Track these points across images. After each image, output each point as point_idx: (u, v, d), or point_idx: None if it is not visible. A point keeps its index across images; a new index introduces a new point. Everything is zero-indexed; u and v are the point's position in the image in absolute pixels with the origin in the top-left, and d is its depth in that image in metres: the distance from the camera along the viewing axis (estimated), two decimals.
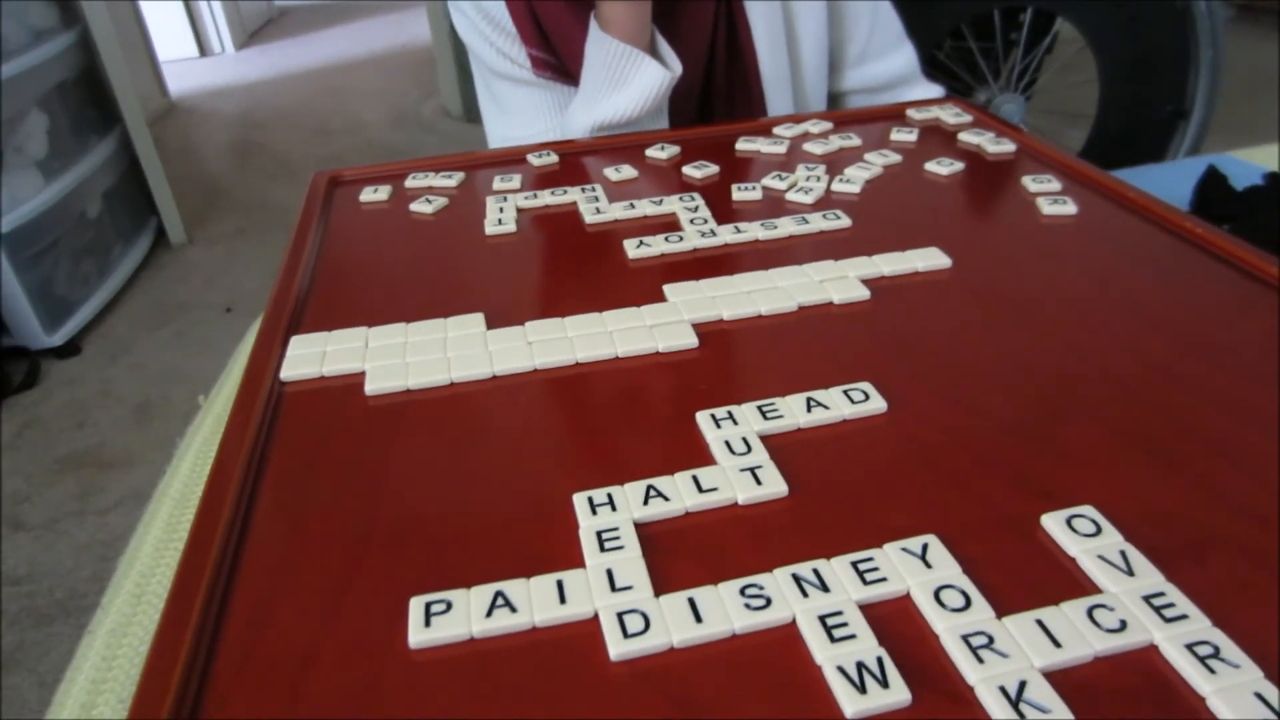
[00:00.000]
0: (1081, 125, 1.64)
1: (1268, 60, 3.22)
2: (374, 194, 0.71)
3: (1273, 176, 0.98)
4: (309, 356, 0.49)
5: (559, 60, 0.85)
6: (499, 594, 0.33)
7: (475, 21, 0.84)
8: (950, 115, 0.80)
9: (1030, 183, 0.65)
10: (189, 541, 0.37)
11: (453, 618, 0.32)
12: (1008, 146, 0.73)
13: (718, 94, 0.89)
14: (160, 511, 0.59)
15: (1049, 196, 0.63)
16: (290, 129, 3.53)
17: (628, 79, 0.77)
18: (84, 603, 1.33)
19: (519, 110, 0.88)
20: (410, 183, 0.73)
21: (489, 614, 0.32)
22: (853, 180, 0.68)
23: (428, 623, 0.32)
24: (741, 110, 0.90)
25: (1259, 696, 0.28)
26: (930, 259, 0.56)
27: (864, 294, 0.53)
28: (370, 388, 0.46)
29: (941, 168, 0.69)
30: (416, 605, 0.33)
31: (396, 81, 4.03)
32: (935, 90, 0.98)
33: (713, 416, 0.42)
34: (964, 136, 0.75)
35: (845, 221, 0.62)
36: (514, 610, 0.32)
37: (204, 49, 4.71)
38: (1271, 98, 2.84)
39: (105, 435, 1.74)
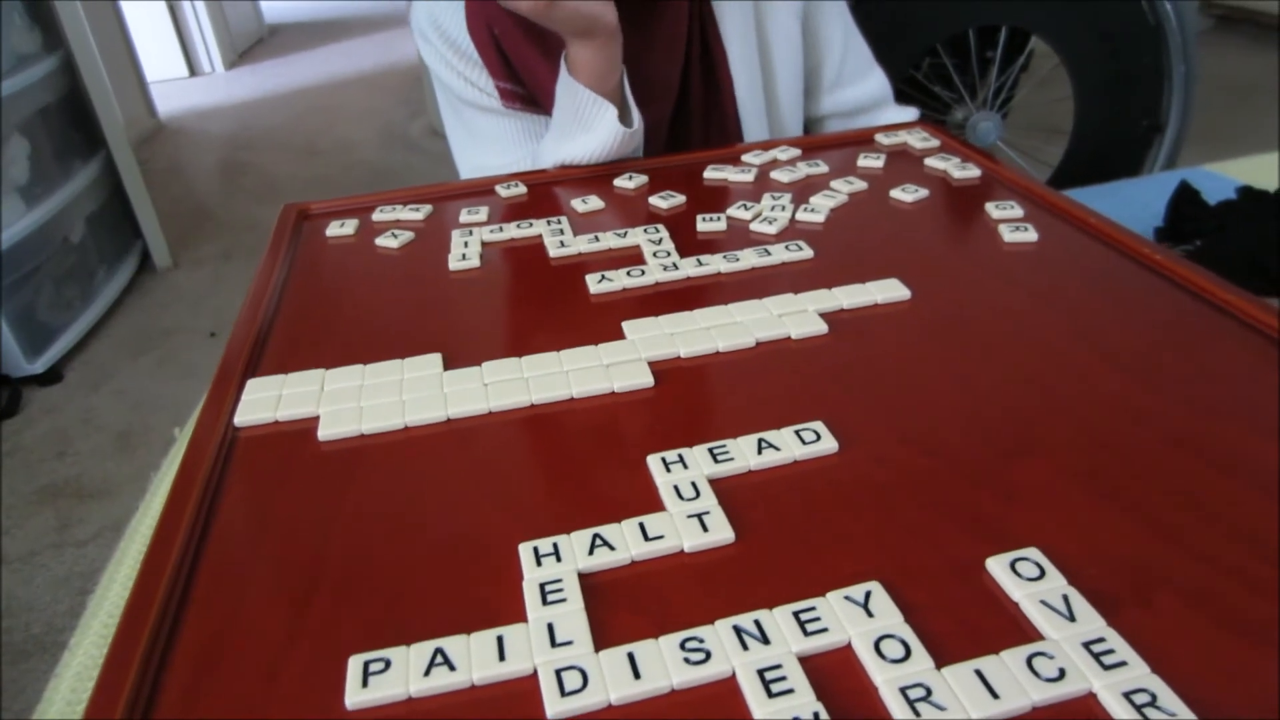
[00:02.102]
0: (1058, 141, 1.64)
1: (1246, 70, 3.24)
2: (341, 228, 0.71)
3: (1245, 190, 0.98)
4: (264, 401, 0.49)
5: (527, 92, 0.85)
6: (438, 651, 0.32)
7: (442, 51, 0.85)
8: (918, 140, 0.80)
9: (993, 209, 0.66)
10: (130, 598, 0.36)
11: (391, 677, 0.32)
12: (973, 172, 0.73)
13: (694, 117, 0.89)
14: (131, 549, 0.59)
15: (1011, 223, 0.63)
16: (279, 149, 3.53)
17: (592, 124, 0.78)
18: (60, 638, 1.32)
19: (491, 138, 0.88)
20: (378, 216, 0.73)
21: (427, 673, 0.32)
22: (818, 209, 0.68)
23: (365, 683, 0.32)
24: (716, 137, 0.90)
25: None
26: (890, 291, 0.56)
27: (822, 328, 0.53)
28: (323, 433, 0.46)
29: (906, 195, 0.70)
30: (355, 664, 0.32)
31: (385, 100, 4.03)
32: (909, 113, 0.98)
33: (663, 460, 0.42)
34: (930, 162, 0.76)
35: (808, 253, 0.62)
36: (453, 668, 0.32)
37: (193, 69, 4.71)
38: (1249, 108, 2.86)
39: (85, 465, 1.73)
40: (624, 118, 0.78)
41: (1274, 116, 2.67)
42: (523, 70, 0.83)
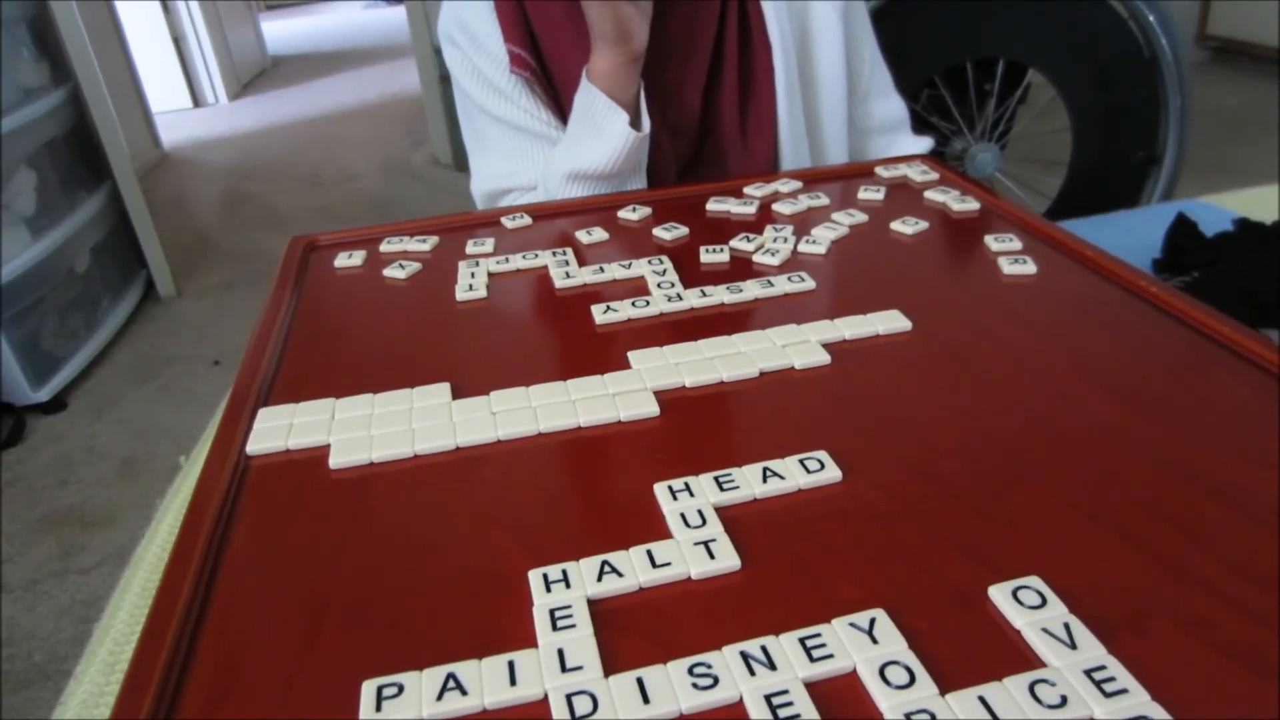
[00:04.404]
0: (1057, 172, 1.66)
1: (1242, 102, 3.28)
2: (349, 259, 0.72)
3: (1242, 222, 1.00)
4: (275, 430, 0.49)
5: (539, 61, 0.87)
6: (450, 676, 0.33)
7: (465, 50, 0.87)
8: (917, 173, 0.82)
9: (992, 242, 0.67)
10: (145, 625, 0.37)
11: (403, 701, 0.32)
12: (972, 205, 0.74)
13: (725, 121, 0.90)
14: (137, 576, 0.59)
15: (1010, 256, 0.64)
16: (282, 179, 3.56)
17: (603, 130, 0.80)
18: (63, 666, 1.32)
19: (502, 150, 0.91)
20: (385, 247, 0.74)
21: (440, 697, 0.32)
22: (819, 241, 0.69)
23: (379, 707, 0.32)
24: (752, 128, 0.91)
25: None
26: (891, 322, 0.57)
27: (825, 358, 0.53)
28: (334, 461, 0.47)
29: (906, 227, 0.71)
30: (368, 689, 0.33)
31: (387, 131, 4.07)
32: (924, 143, 0.99)
33: (670, 488, 0.42)
34: (930, 194, 0.77)
35: (810, 284, 0.63)
36: (465, 693, 0.32)
37: (197, 100, 4.76)
38: (1246, 139, 2.89)
39: (89, 493, 1.74)
40: (635, 124, 0.81)
41: (1270, 147, 2.69)
42: (543, 29, 0.85)
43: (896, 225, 0.71)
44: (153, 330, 2.41)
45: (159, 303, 2.55)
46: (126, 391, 2.11)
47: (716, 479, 0.43)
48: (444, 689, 0.33)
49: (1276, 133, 2.83)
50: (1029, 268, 0.63)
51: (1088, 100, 1.57)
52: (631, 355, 0.54)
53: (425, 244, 0.74)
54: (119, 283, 2.47)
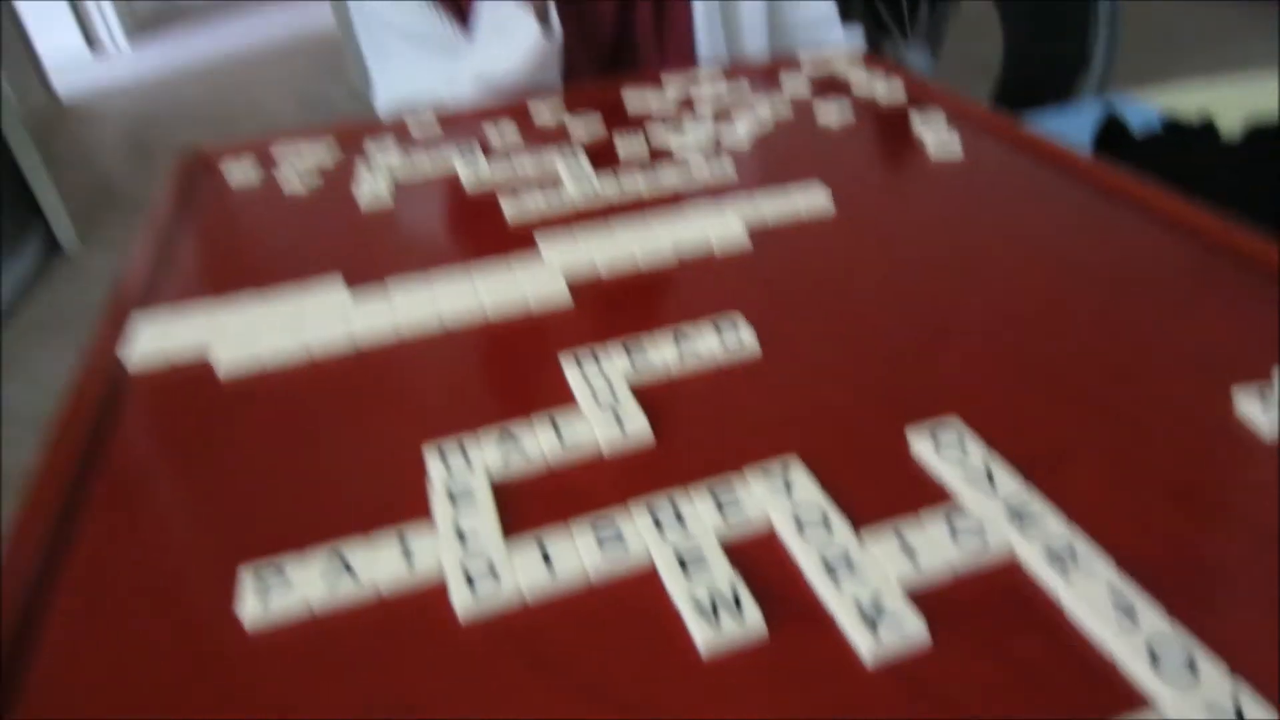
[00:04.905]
0: (988, 77, 1.65)
1: (1174, 13, 3.28)
2: (243, 171, 0.67)
3: (1170, 125, 0.99)
4: (154, 336, 0.45)
5: None
6: (339, 556, 0.30)
7: None
8: (844, 64, 0.79)
9: (920, 126, 0.64)
10: (14, 532, 0.34)
11: (289, 588, 0.30)
12: (899, 94, 0.72)
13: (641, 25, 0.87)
14: None
15: (937, 139, 0.62)
16: (193, 124, 3.40)
17: (512, 35, 0.76)
18: None
19: (404, 60, 0.86)
20: (282, 155, 0.69)
21: (329, 580, 0.30)
22: (741, 132, 0.66)
23: (260, 596, 0.29)
24: (671, 47, 0.87)
25: (1113, 590, 0.27)
26: (812, 199, 0.54)
27: (745, 241, 0.51)
28: (221, 365, 0.43)
29: (832, 116, 0.68)
30: (249, 577, 0.30)
31: (303, 68, 3.90)
32: (854, 34, 0.95)
33: (578, 361, 0.40)
34: (857, 84, 0.74)
35: (731, 174, 0.60)
36: (355, 576, 0.30)
37: (92, 44, 4.50)
38: (1178, 53, 2.90)
39: (5, 458, 1.65)
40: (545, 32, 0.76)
41: (1203, 59, 2.71)
42: None
43: (822, 115, 0.69)
44: (59, 285, 2.29)
45: (64, 257, 2.43)
46: (35, 351, 2.01)
47: (629, 350, 0.40)
48: (333, 570, 0.30)
49: (1209, 44, 2.84)
50: (956, 149, 0.61)
51: (1017, 3, 1.55)
52: (542, 244, 0.51)
53: (325, 151, 0.69)
54: (14, 238, 2.34)
